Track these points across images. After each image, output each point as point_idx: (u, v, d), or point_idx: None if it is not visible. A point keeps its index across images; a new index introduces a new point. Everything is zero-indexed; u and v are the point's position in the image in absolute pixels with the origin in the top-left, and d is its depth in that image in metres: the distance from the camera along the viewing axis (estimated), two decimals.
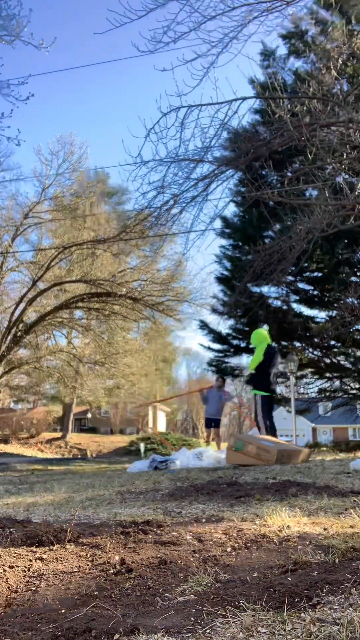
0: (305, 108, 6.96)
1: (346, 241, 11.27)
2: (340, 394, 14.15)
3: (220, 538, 2.14)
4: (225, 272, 13.80)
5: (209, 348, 14.90)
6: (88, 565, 1.82)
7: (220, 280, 13.88)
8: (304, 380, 15.05)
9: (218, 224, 12.97)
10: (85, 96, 67.62)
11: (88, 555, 1.93)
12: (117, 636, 1.19)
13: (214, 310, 14.28)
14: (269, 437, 7.35)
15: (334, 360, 13.63)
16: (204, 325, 14.40)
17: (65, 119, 61.77)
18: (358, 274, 12.05)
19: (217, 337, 14.26)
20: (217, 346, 14.68)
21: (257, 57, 11.79)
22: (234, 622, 1.23)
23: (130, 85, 69.19)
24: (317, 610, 1.28)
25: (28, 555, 1.97)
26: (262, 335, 8.34)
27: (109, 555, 1.89)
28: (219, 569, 1.70)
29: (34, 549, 2.09)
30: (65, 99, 65.02)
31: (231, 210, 13.67)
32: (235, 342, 14.47)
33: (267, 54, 11.82)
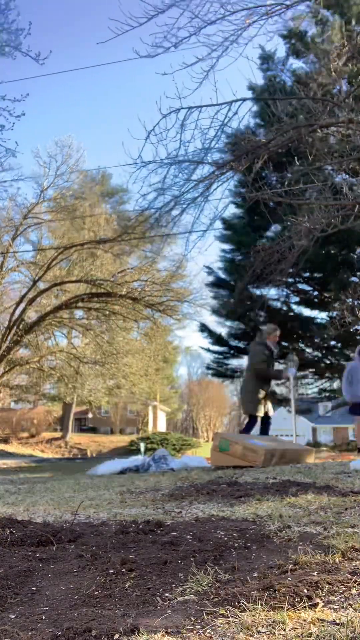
0: (305, 109, 6.97)
1: (345, 241, 11.28)
2: (341, 394, 14.15)
3: (220, 538, 2.15)
4: (225, 273, 13.81)
5: (209, 350, 14.91)
6: (88, 565, 1.82)
7: (220, 281, 13.89)
8: (304, 380, 15.06)
9: (218, 224, 12.98)
10: (86, 97, 67.68)
11: (88, 555, 1.93)
12: (117, 636, 1.20)
13: (214, 312, 14.30)
14: (266, 436, 7.17)
15: (334, 360, 13.64)
16: (204, 328, 14.41)
17: (66, 120, 61.83)
18: (358, 274, 12.06)
19: (217, 338, 14.27)
20: (217, 348, 14.69)
21: (256, 59, 11.81)
22: (234, 622, 1.24)
23: (131, 87, 69.23)
24: (317, 610, 1.28)
25: (28, 555, 1.98)
26: None
27: (109, 555, 1.89)
28: (219, 569, 1.70)
29: (34, 549, 2.09)
30: (67, 101, 65.06)
31: (231, 211, 13.68)
32: (234, 343, 14.47)
33: (266, 58, 11.84)
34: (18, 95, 7.84)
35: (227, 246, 13.74)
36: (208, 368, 15.72)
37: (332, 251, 11.35)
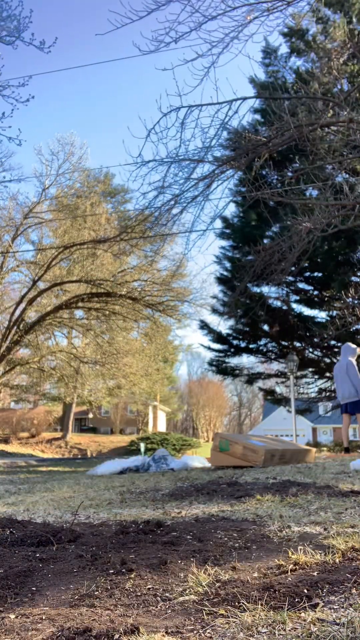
0: (306, 108, 6.96)
1: (346, 241, 11.28)
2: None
3: (220, 538, 2.14)
4: (226, 272, 13.81)
5: (209, 348, 14.92)
6: (88, 565, 1.82)
7: (221, 280, 13.89)
8: (304, 380, 15.06)
9: (219, 224, 12.99)
10: (87, 96, 67.69)
11: (88, 555, 1.93)
12: (117, 636, 1.19)
13: (214, 311, 14.30)
14: (266, 436, 7.21)
15: (334, 360, 13.63)
16: (204, 326, 14.42)
17: (67, 119, 61.83)
18: (358, 274, 12.05)
19: (217, 337, 14.27)
20: (217, 346, 14.70)
21: (257, 56, 11.82)
22: (234, 622, 1.23)
23: (131, 85, 69.21)
24: (317, 610, 1.27)
25: (28, 555, 1.97)
26: None
27: (109, 555, 1.89)
28: (219, 568, 1.70)
29: (34, 549, 2.09)
30: (67, 99, 65.07)
31: (231, 210, 13.70)
32: (235, 342, 14.47)
33: (269, 52, 11.82)
34: (20, 93, 7.70)
35: (226, 242, 13.75)
36: (210, 364, 15.72)
37: (337, 249, 11.33)
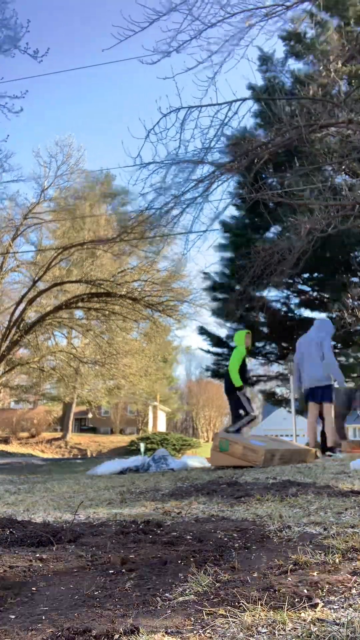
0: (304, 109, 6.98)
1: (345, 242, 11.30)
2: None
3: (220, 538, 2.15)
4: (225, 274, 13.82)
5: (209, 352, 14.93)
6: (88, 565, 1.82)
7: (219, 283, 13.90)
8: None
9: (218, 224, 13.00)
10: (88, 97, 67.77)
11: (88, 555, 1.93)
12: (117, 636, 1.20)
13: (214, 313, 14.32)
14: (266, 436, 7.18)
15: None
16: (203, 331, 14.43)
17: (67, 120, 61.93)
18: (358, 274, 12.07)
19: (216, 340, 14.28)
20: (216, 349, 14.70)
21: (256, 59, 11.82)
22: (234, 622, 1.23)
23: (131, 86, 69.29)
24: (317, 610, 1.28)
25: (28, 555, 1.98)
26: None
27: (109, 555, 1.89)
28: (219, 569, 1.70)
29: (34, 549, 2.09)
30: (68, 101, 65.14)
31: (231, 211, 13.71)
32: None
33: (265, 59, 11.85)
34: (13, 104, 7.87)
35: (225, 242, 13.76)
36: (207, 370, 15.74)
37: (336, 249, 11.36)
